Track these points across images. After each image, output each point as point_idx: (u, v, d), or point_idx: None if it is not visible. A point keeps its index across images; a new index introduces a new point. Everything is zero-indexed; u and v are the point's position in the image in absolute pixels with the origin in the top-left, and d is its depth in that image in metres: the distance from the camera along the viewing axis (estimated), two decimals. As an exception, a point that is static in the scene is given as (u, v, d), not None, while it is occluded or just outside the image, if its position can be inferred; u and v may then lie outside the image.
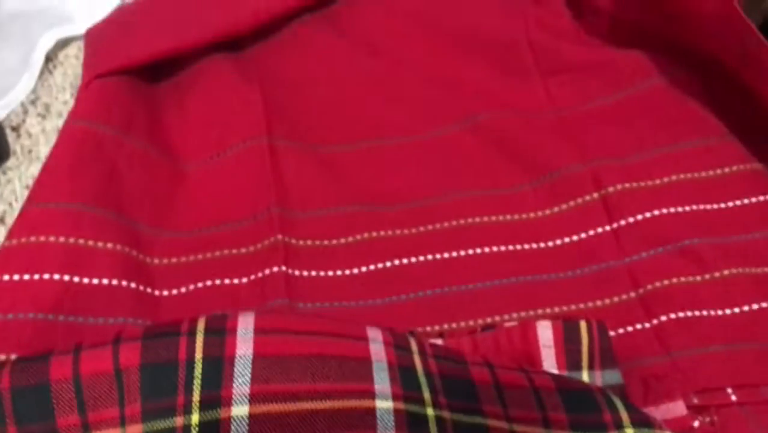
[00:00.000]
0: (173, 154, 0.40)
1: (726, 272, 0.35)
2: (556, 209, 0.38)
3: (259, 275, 0.36)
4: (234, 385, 0.25)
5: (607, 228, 0.37)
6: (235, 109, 0.41)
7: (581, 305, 0.35)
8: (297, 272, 0.36)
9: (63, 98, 0.52)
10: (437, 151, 0.41)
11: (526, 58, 0.43)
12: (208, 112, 0.41)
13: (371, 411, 0.25)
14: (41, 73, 0.54)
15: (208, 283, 0.36)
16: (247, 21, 0.42)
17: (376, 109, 0.43)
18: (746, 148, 0.39)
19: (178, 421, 0.25)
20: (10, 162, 0.48)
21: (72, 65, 0.54)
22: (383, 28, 0.45)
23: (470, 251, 0.37)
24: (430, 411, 0.25)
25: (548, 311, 0.35)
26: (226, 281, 0.36)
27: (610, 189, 0.38)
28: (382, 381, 0.26)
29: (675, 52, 0.41)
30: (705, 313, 0.34)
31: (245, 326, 0.27)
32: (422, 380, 0.27)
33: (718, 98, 0.40)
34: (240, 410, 0.25)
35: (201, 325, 0.27)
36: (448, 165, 0.40)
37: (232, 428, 0.24)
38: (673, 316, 0.34)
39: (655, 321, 0.34)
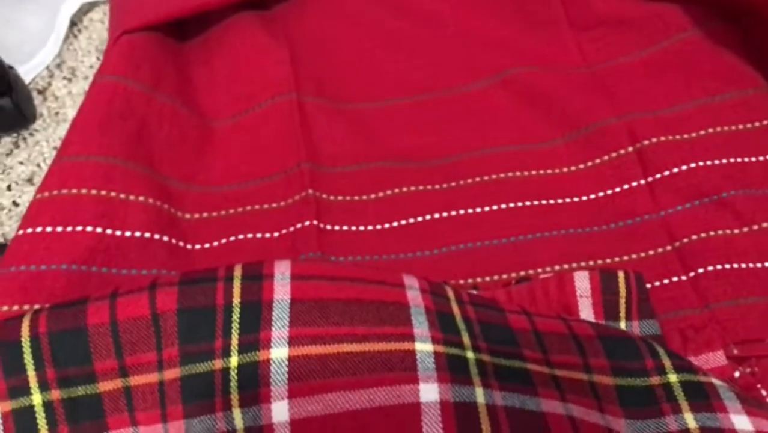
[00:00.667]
0: (202, 111, 0.40)
1: (764, 224, 0.35)
2: (589, 164, 0.38)
3: (291, 229, 0.35)
4: (273, 328, 0.25)
5: (642, 182, 0.37)
6: (264, 66, 0.41)
7: (616, 259, 0.35)
8: (329, 226, 0.36)
9: (89, 62, 0.52)
10: (467, 107, 0.40)
11: (558, 12, 0.43)
12: (237, 69, 0.41)
13: (411, 353, 0.25)
14: (66, 37, 0.54)
15: (240, 237, 0.35)
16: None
17: (404, 67, 0.42)
18: (784, 99, 0.38)
19: (217, 364, 0.25)
20: (37, 124, 0.48)
21: (97, 29, 0.54)
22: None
23: (502, 206, 0.37)
24: (470, 354, 0.25)
25: (583, 264, 0.35)
26: (258, 235, 0.35)
27: (645, 142, 0.37)
28: (420, 325, 0.26)
29: (710, 4, 0.40)
30: (743, 265, 0.34)
31: (282, 271, 0.27)
32: (461, 325, 0.27)
33: (755, 50, 0.39)
34: (279, 353, 0.24)
35: (238, 271, 0.27)
36: (478, 121, 0.40)
37: (272, 369, 0.24)
38: (710, 268, 0.34)
39: (692, 273, 0.34)
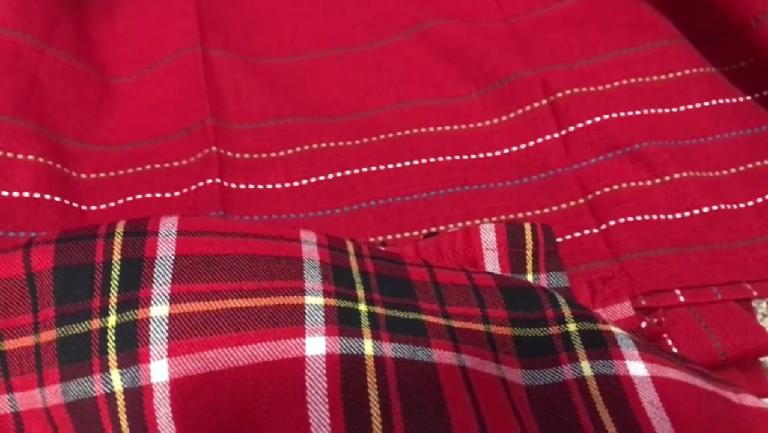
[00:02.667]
0: (102, 68, 0.38)
1: (676, 175, 0.34)
2: (504, 118, 0.37)
3: (192, 187, 0.34)
4: (154, 285, 0.24)
5: (556, 135, 0.36)
6: (168, 20, 0.39)
7: (529, 213, 0.34)
8: (233, 185, 0.34)
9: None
10: (381, 62, 0.39)
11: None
12: (139, 25, 0.39)
13: (300, 307, 0.23)
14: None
15: (139, 197, 0.34)
16: None
17: (316, 21, 0.41)
18: (699, 51, 0.38)
19: (94, 324, 0.23)
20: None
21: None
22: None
23: (415, 162, 0.36)
24: (363, 307, 0.24)
25: (494, 219, 0.34)
26: (158, 195, 0.34)
27: (559, 95, 0.37)
28: (313, 279, 0.25)
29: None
30: (654, 217, 0.33)
31: (168, 227, 0.25)
32: (357, 279, 0.26)
33: (670, 1, 0.39)
34: (159, 310, 0.23)
35: (120, 227, 0.25)
36: (393, 75, 0.39)
37: (152, 328, 0.23)
38: (621, 220, 0.33)
39: (603, 226, 0.34)
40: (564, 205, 0.34)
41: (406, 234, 0.34)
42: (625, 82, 0.37)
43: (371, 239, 0.34)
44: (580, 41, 0.38)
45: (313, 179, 0.35)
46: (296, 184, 0.35)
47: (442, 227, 0.34)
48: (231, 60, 0.38)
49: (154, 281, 0.24)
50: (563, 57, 0.38)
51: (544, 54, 0.38)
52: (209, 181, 0.34)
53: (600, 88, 0.37)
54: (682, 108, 0.36)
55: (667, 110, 0.36)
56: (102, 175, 0.34)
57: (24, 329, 0.24)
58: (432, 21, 0.40)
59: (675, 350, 0.30)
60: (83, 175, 0.34)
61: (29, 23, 0.35)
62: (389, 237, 0.34)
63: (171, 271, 0.24)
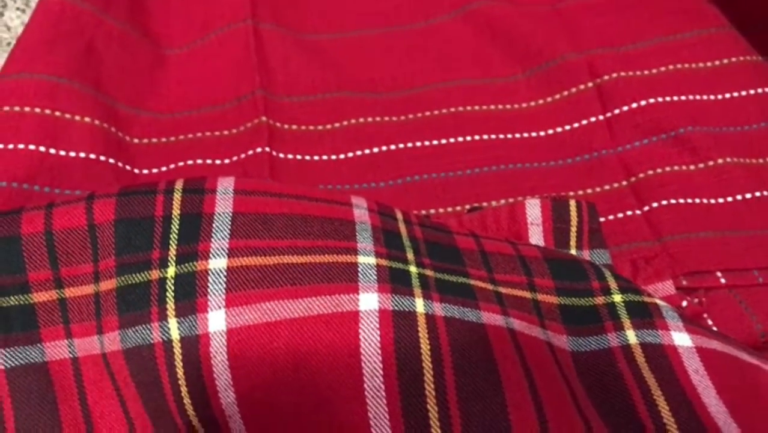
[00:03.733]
0: (155, 38, 0.39)
1: (720, 161, 0.34)
2: (549, 99, 0.37)
3: (242, 155, 0.35)
4: (212, 240, 0.24)
5: (601, 117, 0.36)
6: (221, -2, 0.40)
7: (571, 193, 0.35)
8: (281, 155, 0.35)
9: (43, -7, 0.51)
10: (428, 40, 0.40)
11: (523, -52, 0.42)
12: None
13: (353, 265, 0.24)
14: (22, -34, 0.52)
15: (189, 162, 0.35)
16: None
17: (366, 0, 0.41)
18: (746, 39, 0.38)
19: (154, 274, 0.24)
20: (-12, 53, 0.47)
21: (53, -40, 0.52)
22: None
23: (460, 138, 0.36)
24: (413, 268, 0.25)
25: (537, 197, 0.34)
26: (208, 162, 0.35)
27: (605, 78, 0.37)
28: (365, 240, 0.25)
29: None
30: (697, 200, 0.34)
31: (225, 186, 0.26)
32: (406, 243, 0.26)
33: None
34: (217, 263, 0.24)
35: (179, 184, 0.26)
36: (439, 54, 0.39)
37: (210, 279, 0.24)
38: (664, 202, 0.34)
39: (646, 208, 0.34)
40: (607, 187, 0.35)
41: (449, 209, 0.34)
42: (671, 67, 0.37)
43: (415, 212, 0.34)
44: (627, 26, 0.39)
45: (359, 152, 0.36)
46: (342, 156, 0.36)
47: (485, 204, 0.34)
48: (281, 34, 0.39)
49: (213, 235, 0.24)
50: (610, 41, 0.38)
51: (590, 37, 0.38)
52: (258, 150, 0.34)
53: (646, 72, 0.37)
54: (728, 95, 0.36)
55: (712, 97, 0.36)
56: (154, 140, 0.35)
57: (85, 277, 0.25)
58: (479, 2, 0.40)
59: (715, 329, 0.30)
60: (136, 140, 0.35)
61: (87, -5, 0.36)
62: (432, 211, 0.34)
63: (229, 226, 0.25)
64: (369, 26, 0.40)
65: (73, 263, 0.25)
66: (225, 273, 0.24)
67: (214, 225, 0.25)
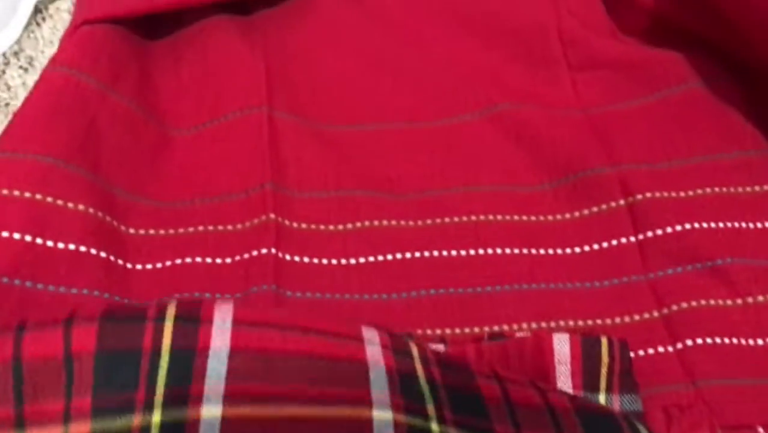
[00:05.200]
0: (162, 118, 0.36)
1: (760, 298, 0.32)
2: (576, 214, 0.35)
3: (246, 256, 0.32)
4: (206, 381, 0.21)
5: (632, 239, 0.34)
6: (235, 75, 0.37)
7: (599, 321, 0.32)
8: (288, 256, 0.32)
9: (49, 52, 0.49)
10: (451, 140, 0.37)
11: (555, 50, 0.40)
12: (206, 75, 0.38)
13: (367, 422, 0.21)
14: (28, 24, 0.50)
15: (188, 260, 0.32)
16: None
17: (388, 90, 0.39)
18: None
19: (136, 420, 0.21)
20: (-16, 113, 0.45)
21: (63, 20, 0.50)
22: (403, 4, 0.42)
23: (480, 251, 0.34)
24: (434, 427, 0.22)
25: (562, 323, 0.32)
26: (208, 260, 0.32)
27: (639, 197, 0.35)
28: (380, 389, 0.22)
29: (716, 56, 0.38)
30: (735, 341, 0.31)
31: (223, 316, 0.23)
32: (425, 390, 0.23)
33: (759, 109, 0.37)
34: (211, 411, 0.21)
35: (171, 310, 0.23)
36: (463, 156, 0.37)
37: (201, 431, 0.21)
38: (699, 341, 0.31)
39: (679, 345, 0.31)
40: (637, 317, 0.32)
41: (466, 330, 0.32)
42: (708, 190, 0.35)
43: (428, 332, 0.31)
44: (662, 140, 0.36)
45: (370, 258, 0.33)
46: (353, 262, 0.33)
47: (506, 326, 0.32)
48: (296, 124, 0.37)
49: (207, 375, 0.21)
50: (644, 156, 0.36)
51: (623, 150, 0.36)
52: (264, 251, 0.32)
53: (682, 194, 0.35)
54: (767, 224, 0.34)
55: (751, 225, 0.34)
56: (151, 231, 0.32)
57: (52, 416, 0.22)
58: (506, 103, 0.38)
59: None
60: (132, 230, 0.32)
61: (96, 65, 0.34)
62: (448, 331, 0.31)
63: (225, 366, 0.22)
64: (389, 120, 0.38)
65: (40, 400, 0.22)
66: (219, 425, 0.21)
67: (208, 363, 0.22)
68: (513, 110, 0.38)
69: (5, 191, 0.29)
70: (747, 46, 0.36)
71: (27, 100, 0.32)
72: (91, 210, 0.31)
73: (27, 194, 0.29)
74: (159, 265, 0.31)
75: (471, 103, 0.39)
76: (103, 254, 0.30)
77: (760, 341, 0.31)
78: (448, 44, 0.41)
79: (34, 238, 0.29)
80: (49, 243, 0.29)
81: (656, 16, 0.39)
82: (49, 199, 0.30)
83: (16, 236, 0.29)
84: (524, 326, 0.32)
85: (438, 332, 0.31)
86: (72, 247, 0.29)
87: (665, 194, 0.35)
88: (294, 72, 0.39)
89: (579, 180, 0.36)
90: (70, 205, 0.30)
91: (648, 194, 0.35)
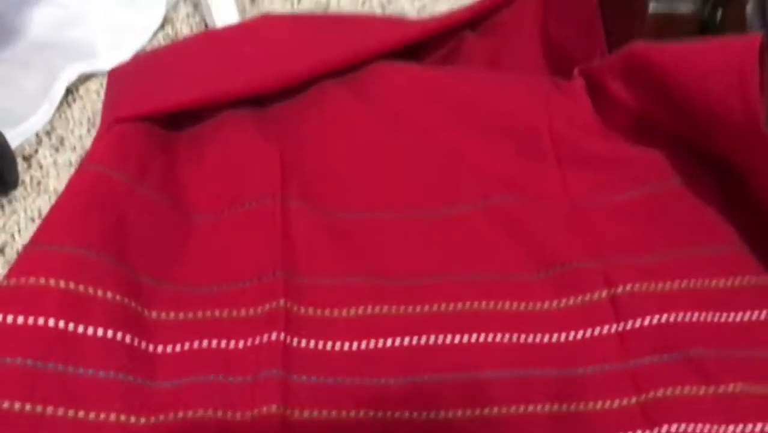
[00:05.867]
0: (185, 205, 0.40)
1: (731, 387, 0.35)
2: (562, 303, 0.38)
3: (257, 341, 0.35)
4: None
5: (613, 329, 0.37)
6: (252, 166, 0.41)
7: (581, 405, 0.35)
8: (296, 341, 0.35)
9: (79, 132, 0.52)
10: (448, 230, 0.40)
11: (546, 146, 0.43)
12: (225, 167, 0.41)
13: None
14: (59, 104, 0.54)
15: (204, 344, 0.35)
16: (273, 82, 0.42)
17: (392, 181, 0.42)
18: (758, 260, 0.39)
19: None
20: (18, 192, 0.48)
21: (92, 100, 0.54)
22: (406, 99, 0.45)
23: (473, 338, 0.36)
24: None
25: (547, 408, 0.34)
26: (222, 344, 0.35)
27: (620, 289, 0.37)
28: None
29: (695, 155, 0.41)
30: (708, 427, 0.34)
31: None
32: None
33: (734, 206, 0.40)
34: None
35: None
36: (458, 245, 0.40)
37: None
38: (675, 427, 0.34)
39: (656, 430, 0.34)
40: (616, 403, 0.35)
41: (459, 413, 0.34)
42: (686, 283, 0.38)
43: (431, 415, 0.34)
44: (644, 236, 0.39)
45: (371, 344, 0.36)
46: (355, 347, 0.36)
47: (495, 409, 0.34)
48: (307, 212, 0.40)
49: None
50: (627, 250, 0.39)
51: (608, 244, 0.39)
52: (273, 336, 0.35)
53: (661, 286, 0.38)
54: (741, 317, 0.37)
55: (725, 317, 0.37)
56: (172, 315, 0.35)
57: None
58: (500, 196, 0.41)
59: None
60: (154, 314, 0.35)
61: (126, 163, 0.37)
62: (441, 414, 0.34)
63: None
64: (391, 209, 0.41)
65: None
66: None
67: None
68: (506, 202, 0.41)
69: (42, 280, 0.32)
70: (722, 150, 0.39)
71: (62, 196, 0.36)
72: (118, 297, 0.34)
73: (62, 283, 0.33)
74: (178, 348, 0.34)
75: (467, 195, 0.42)
76: (128, 339, 0.33)
77: (731, 428, 0.34)
78: (448, 137, 0.44)
79: (66, 324, 0.32)
80: (80, 329, 0.32)
81: (638, 115, 0.43)
82: (81, 287, 0.33)
83: (51, 322, 0.32)
84: (512, 409, 0.34)
85: (433, 414, 0.34)
86: (100, 333, 0.33)
87: (645, 287, 0.38)
88: (306, 161, 0.42)
89: (566, 271, 0.38)
90: (100, 293, 0.33)
91: (629, 287, 0.37)
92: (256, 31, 0.46)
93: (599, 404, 0.35)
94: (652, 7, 0.42)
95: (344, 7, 0.62)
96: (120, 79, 0.44)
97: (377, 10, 0.62)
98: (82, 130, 0.52)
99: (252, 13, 0.61)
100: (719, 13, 0.41)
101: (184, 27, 0.60)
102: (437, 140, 0.44)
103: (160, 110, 0.40)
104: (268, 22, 0.47)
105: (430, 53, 0.53)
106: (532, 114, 0.44)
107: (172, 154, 0.41)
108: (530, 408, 0.35)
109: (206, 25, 0.60)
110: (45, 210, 0.46)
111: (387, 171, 0.43)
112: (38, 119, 0.52)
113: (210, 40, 0.47)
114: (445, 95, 0.45)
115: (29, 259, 0.33)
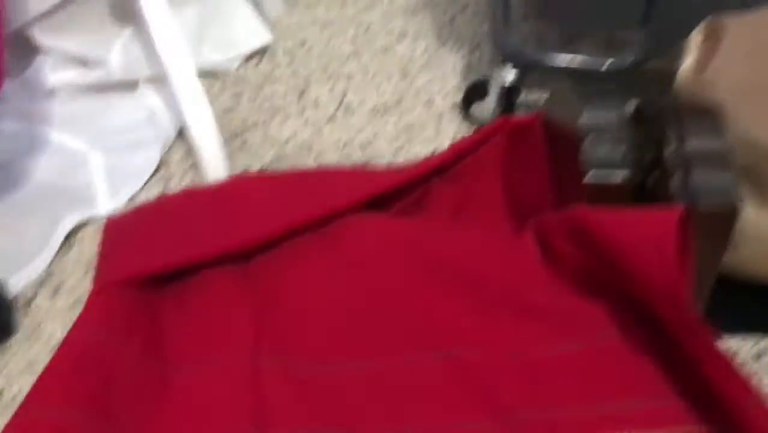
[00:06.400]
0: (167, 361, 0.44)
1: None
2: (511, 454, 0.41)
3: None
4: None
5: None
6: (228, 323, 0.45)
7: None
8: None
9: (76, 277, 0.56)
10: (407, 380, 0.44)
11: (501, 300, 0.47)
12: (204, 323, 0.45)
13: None
14: (58, 249, 0.58)
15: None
16: (253, 242, 0.47)
17: (358, 333, 0.46)
18: (691, 412, 0.42)
19: None
20: (14, 338, 0.52)
21: (89, 246, 0.59)
22: (375, 252, 0.49)
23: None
24: None
25: None
26: None
27: (563, 441, 0.41)
28: None
29: (633, 309, 0.45)
30: None
31: None
32: None
33: (669, 359, 0.43)
34: None
35: None
36: (416, 395, 0.43)
37: None
38: None
39: None
40: None
41: None
42: None
43: None
44: (589, 388, 0.43)
45: None
46: None
47: None
48: (277, 369, 0.43)
49: None
50: (571, 401, 0.42)
51: (553, 396, 0.43)
52: None
53: (602, 437, 0.41)
54: None
55: None
56: (148, 472, 0.39)
57: None
58: (457, 348, 0.45)
59: None
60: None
61: (114, 326, 0.42)
62: None
63: None
64: (357, 359, 0.45)
65: None
66: None
67: None
68: (463, 354, 0.45)
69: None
70: (651, 307, 0.43)
71: (52, 361, 0.40)
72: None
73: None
74: None
75: (427, 347, 0.45)
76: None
77: None
78: (412, 289, 0.48)
79: None
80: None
81: (581, 270, 0.47)
82: (65, 449, 0.37)
83: None
84: None
85: None
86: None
87: (587, 438, 0.41)
88: (279, 316, 0.47)
89: (516, 422, 0.42)
90: (83, 457, 0.37)
91: (571, 439, 0.41)
92: (236, 191, 0.51)
93: None
94: (590, 176, 0.46)
95: (326, 148, 0.68)
96: (114, 236, 0.49)
97: (357, 152, 0.67)
98: (78, 276, 0.56)
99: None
100: (649, 183, 0.46)
101: (178, 170, 0.66)
102: (402, 292, 0.48)
103: (148, 272, 0.44)
104: (247, 183, 0.52)
105: (401, 198, 0.58)
106: (488, 268, 0.48)
107: (158, 313, 0.45)
108: None
109: (198, 169, 0.65)
110: (41, 357, 0.50)
111: (354, 323, 0.47)
112: (38, 265, 0.57)
113: (195, 200, 0.52)
114: (412, 249, 0.50)
115: (18, 427, 0.37)
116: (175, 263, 0.45)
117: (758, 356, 0.51)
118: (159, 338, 0.44)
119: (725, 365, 0.39)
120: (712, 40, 0.52)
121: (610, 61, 0.62)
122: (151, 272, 0.44)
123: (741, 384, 0.39)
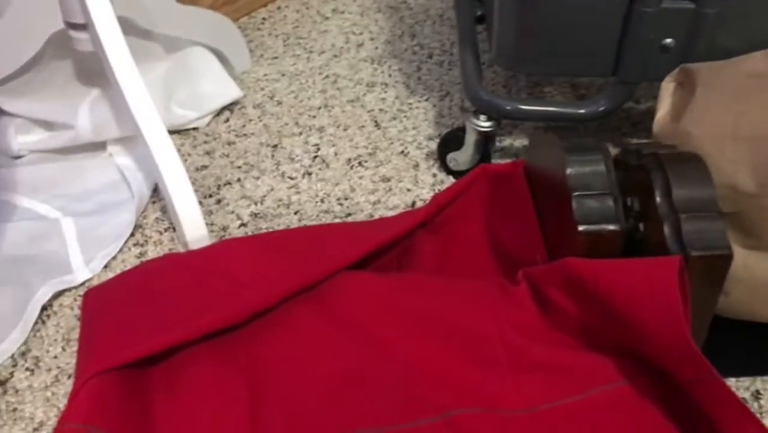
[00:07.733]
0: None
1: None
2: None
3: None
4: None
5: None
6: (220, 405, 0.44)
7: None
8: None
9: (54, 352, 0.54)
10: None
11: (500, 355, 0.47)
12: (194, 405, 0.44)
13: None
14: (34, 322, 0.56)
15: None
16: (241, 314, 0.46)
17: (354, 400, 0.45)
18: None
19: None
20: (-6, 422, 0.49)
21: (66, 316, 0.56)
22: (366, 312, 0.49)
23: None
24: None
25: None
26: None
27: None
28: None
29: (634, 359, 0.45)
30: None
31: None
32: None
33: (672, 407, 0.44)
34: None
35: None
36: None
37: None
38: None
39: None
40: None
41: None
42: None
43: None
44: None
45: None
46: None
47: None
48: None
49: None
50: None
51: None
52: None
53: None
54: None
55: None
56: None
57: None
58: (459, 409, 0.44)
59: None
60: None
61: (103, 416, 0.40)
62: None
63: None
64: (357, 427, 0.44)
65: None
66: None
67: None
68: (465, 415, 0.44)
69: None
70: (653, 356, 0.43)
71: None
72: None
73: None
74: None
75: (428, 409, 0.45)
76: None
77: None
78: (406, 348, 0.47)
79: None
80: None
81: (579, 321, 0.47)
82: None
83: None
84: None
85: None
86: None
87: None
88: (272, 390, 0.45)
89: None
90: None
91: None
92: (220, 257, 0.50)
93: None
94: (583, 230, 0.47)
95: (304, 203, 0.67)
96: (95, 311, 0.47)
97: (335, 206, 0.67)
98: (57, 350, 0.54)
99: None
100: (640, 233, 0.47)
101: (154, 233, 0.64)
102: (397, 352, 0.47)
103: (134, 358, 0.43)
104: (230, 248, 0.51)
105: (386, 251, 0.57)
106: (484, 322, 0.48)
107: (147, 398, 0.43)
108: None
109: (175, 231, 0.64)
110: (23, 440, 0.47)
111: (352, 390, 0.46)
112: (13, 341, 0.54)
113: (179, 269, 0.50)
114: (403, 307, 0.49)
115: None
116: (162, 345, 0.44)
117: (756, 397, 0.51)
118: (149, 423, 0.42)
119: (741, 410, 0.39)
120: (685, 88, 0.54)
121: (582, 111, 0.63)
122: (138, 357, 0.43)
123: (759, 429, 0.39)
